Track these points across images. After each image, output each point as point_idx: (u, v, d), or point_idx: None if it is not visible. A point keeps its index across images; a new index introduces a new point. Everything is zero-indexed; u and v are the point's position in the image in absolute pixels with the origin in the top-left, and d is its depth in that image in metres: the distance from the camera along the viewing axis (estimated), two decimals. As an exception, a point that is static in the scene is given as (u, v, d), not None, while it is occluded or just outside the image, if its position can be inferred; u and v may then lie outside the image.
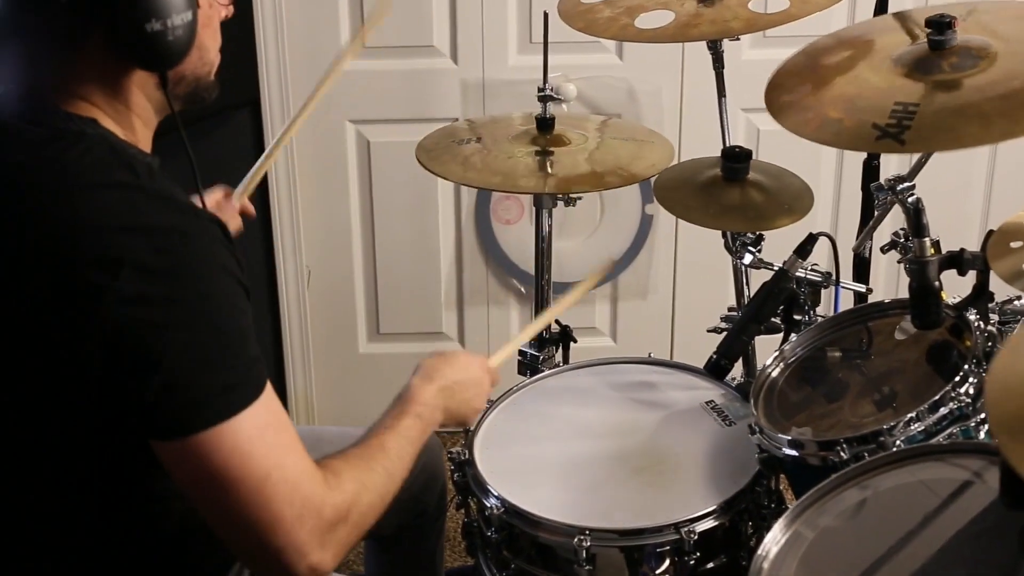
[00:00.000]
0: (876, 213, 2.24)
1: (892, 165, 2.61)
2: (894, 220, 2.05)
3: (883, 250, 2.20)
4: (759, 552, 1.64)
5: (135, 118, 1.56)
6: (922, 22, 1.90)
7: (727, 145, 2.37)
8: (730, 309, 2.46)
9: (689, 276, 3.50)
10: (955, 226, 3.25)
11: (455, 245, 3.49)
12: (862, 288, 2.40)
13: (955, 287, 1.99)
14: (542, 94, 2.42)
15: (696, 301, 3.49)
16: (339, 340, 3.60)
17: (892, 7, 2.65)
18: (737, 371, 2.44)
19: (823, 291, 2.24)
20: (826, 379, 2.09)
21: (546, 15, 2.33)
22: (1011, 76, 1.82)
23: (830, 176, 3.40)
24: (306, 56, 3.26)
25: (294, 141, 3.31)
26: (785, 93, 1.99)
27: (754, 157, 3.13)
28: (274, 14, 3.20)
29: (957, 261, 1.92)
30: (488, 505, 1.99)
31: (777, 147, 3.28)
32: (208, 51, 1.57)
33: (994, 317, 2.02)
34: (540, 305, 2.59)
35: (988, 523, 1.56)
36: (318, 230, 3.46)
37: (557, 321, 2.58)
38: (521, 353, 2.57)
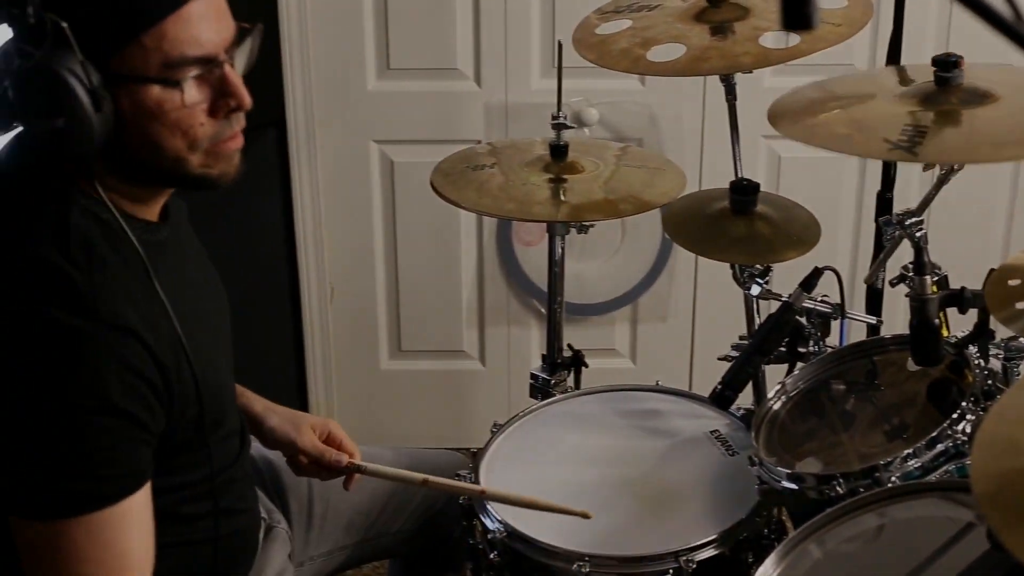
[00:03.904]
0: (885, 247, 2.25)
1: (910, 200, 2.61)
2: (909, 253, 2.05)
3: (892, 283, 2.19)
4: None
5: (123, 198, 1.62)
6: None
7: (738, 176, 2.38)
8: (741, 338, 2.46)
9: (709, 301, 3.51)
10: (977, 261, 3.24)
11: (477, 264, 3.52)
12: (872, 320, 2.41)
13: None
14: (555, 122, 2.42)
15: (715, 326, 3.49)
16: (361, 357, 3.63)
17: (909, 46, 2.66)
18: (749, 400, 2.45)
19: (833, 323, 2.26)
20: (833, 410, 2.10)
21: (560, 45, 2.34)
22: (1015, 112, 1.83)
23: (850, 208, 3.40)
24: (330, 76, 3.31)
25: (319, 159, 3.36)
26: (790, 116, 1.99)
27: (775, 185, 3.15)
28: (300, 35, 3.25)
29: (957, 299, 1.93)
30: (491, 528, 2.01)
31: (798, 175, 3.31)
32: (163, 147, 1.58)
33: (1000, 353, 2.03)
34: (553, 327, 2.60)
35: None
36: (342, 248, 3.49)
37: (569, 345, 2.59)
38: (533, 377, 2.58)
